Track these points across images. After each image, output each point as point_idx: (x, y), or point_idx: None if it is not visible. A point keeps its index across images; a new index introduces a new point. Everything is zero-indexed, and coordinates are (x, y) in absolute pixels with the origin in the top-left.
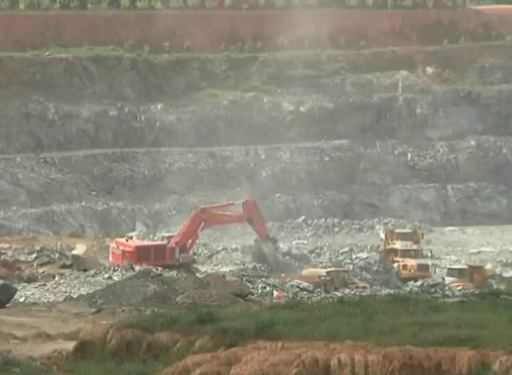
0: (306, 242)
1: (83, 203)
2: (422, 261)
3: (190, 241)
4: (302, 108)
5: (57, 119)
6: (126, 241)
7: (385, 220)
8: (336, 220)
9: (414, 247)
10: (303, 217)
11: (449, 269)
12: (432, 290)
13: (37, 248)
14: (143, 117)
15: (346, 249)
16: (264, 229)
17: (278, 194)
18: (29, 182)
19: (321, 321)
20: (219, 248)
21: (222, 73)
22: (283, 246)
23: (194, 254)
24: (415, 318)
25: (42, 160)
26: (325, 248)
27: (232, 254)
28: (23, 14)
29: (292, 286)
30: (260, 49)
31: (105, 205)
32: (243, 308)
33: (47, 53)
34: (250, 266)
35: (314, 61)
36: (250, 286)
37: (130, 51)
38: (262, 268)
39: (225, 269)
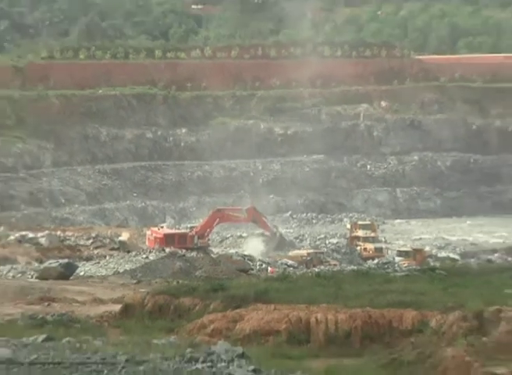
0: (292, 231)
1: (127, 202)
2: (378, 245)
3: (207, 231)
4: (289, 132)
5: (108, 140)
6: (158, 230)
7: (351, 215)
8: (314, 215)
9: (372, 235)
10: (289, 212)
11: (398, 251)
12: (385, 266)
13: (93, 235)
14: (171, 138)
15: (321, 236)
16: (268, 226)
17: (271, 196)
18: (87, 187)
19: (303, 290)
20: (228, 236)
21: (230, 106)
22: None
23: (209, 240)
24: (373, 287)
25: (97, 170)
26: (306, 236)
27: (238, 240)
28: (82, 62)
29: (281, 263)
30: (258, 88)
31: (143, 204)
32: (246, 280)
33: (100, 91)
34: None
35: (298, 97)
36: (251, 263)
37: (162, 89)
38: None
39: (232, 251)
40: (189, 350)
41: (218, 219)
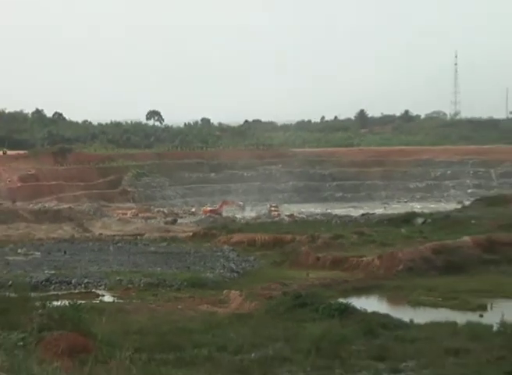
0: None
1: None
2: (279, 212)
3: (221, 209)
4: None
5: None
6: (205, 207)
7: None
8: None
9: (277, 209)
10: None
11: (285, 215)
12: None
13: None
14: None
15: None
16: (220, 208)
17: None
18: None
19: (260, 227)
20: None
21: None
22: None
23: (222, 212)
24: (277, 226)
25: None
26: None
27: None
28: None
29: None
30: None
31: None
32: (234, 225)
33: None
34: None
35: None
36: (239, 217)
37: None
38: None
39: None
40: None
41: (224, 205)
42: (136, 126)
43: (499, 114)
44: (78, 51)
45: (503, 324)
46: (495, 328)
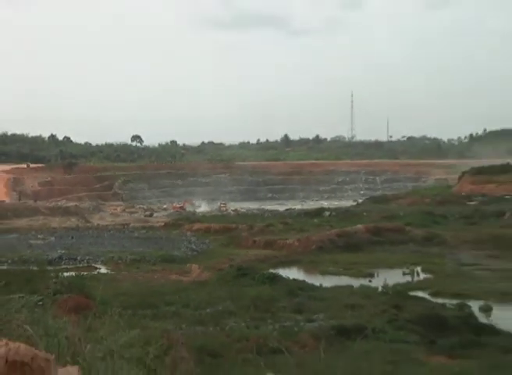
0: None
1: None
2: (226, 207)
3: (184, 205)
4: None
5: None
6: (174, 204)
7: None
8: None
9: (226, 206)
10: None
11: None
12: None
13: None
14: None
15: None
16: (184, 205)
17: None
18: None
19: (213, 218)
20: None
21: None
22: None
23: (185, 207)
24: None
25: None
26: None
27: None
28: None
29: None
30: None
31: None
32: (195, 216)
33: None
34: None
35: None
36: (198, 211)
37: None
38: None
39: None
40: None
41: (185, 203)
42: (124, 147)
43: (383, 137)
44: (80, 93)
45: (385, 287)
46: (379, 290)
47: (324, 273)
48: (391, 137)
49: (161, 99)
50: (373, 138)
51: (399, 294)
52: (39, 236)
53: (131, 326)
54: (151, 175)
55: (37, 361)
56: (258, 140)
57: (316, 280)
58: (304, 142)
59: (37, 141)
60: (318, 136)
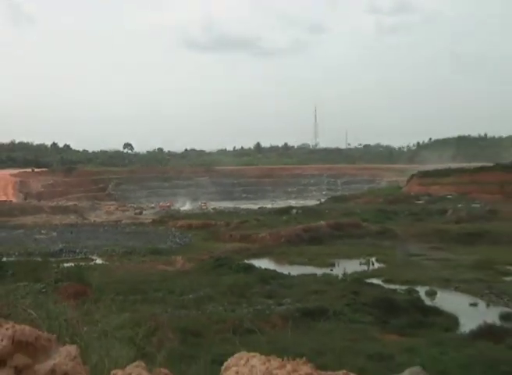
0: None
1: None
2: (205, 206)
3: (170, 204)
4: None
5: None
6: (161, 203)
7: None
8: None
9: (206, 205)
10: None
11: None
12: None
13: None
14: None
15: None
16: (169, 204)
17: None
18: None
19: (195, 216)
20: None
21: None
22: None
23: (172, 205)
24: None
25: None
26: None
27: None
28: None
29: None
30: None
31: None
32: (179, 214)
33: None
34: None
35: None
36: (182, 209)
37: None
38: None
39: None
40: None
41: (170, 203)
42: (117, 153)
43: (342, 145)
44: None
45: (344, 275)
46: (340, 277)
47: (292, 263)
48: (349, 144)
49: (150, 112)
50: (334, 146)
51: (356, 281)
52: (42, 231)
53: (123, 310)
54: (141, 178)
55: (40, 341)
56: (234, 147)
57: (285, 270)
58: (274, 149)
59: (40, 148)
60: (286, 144)
